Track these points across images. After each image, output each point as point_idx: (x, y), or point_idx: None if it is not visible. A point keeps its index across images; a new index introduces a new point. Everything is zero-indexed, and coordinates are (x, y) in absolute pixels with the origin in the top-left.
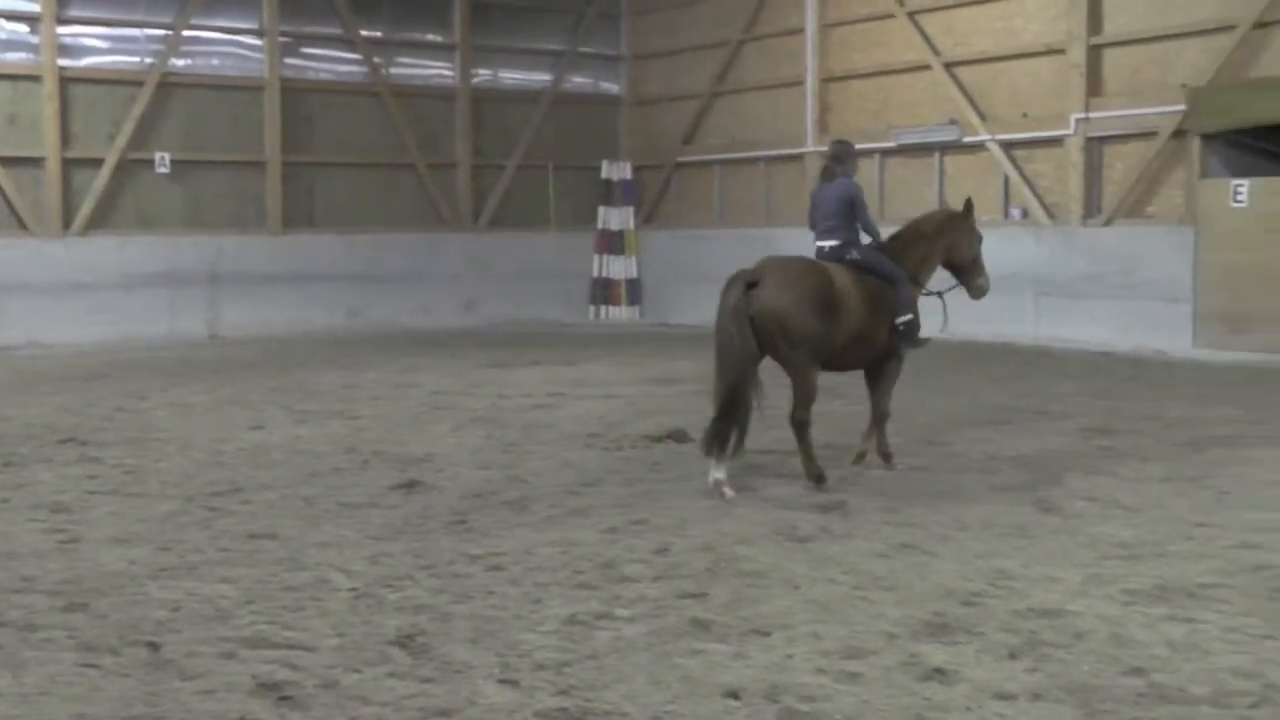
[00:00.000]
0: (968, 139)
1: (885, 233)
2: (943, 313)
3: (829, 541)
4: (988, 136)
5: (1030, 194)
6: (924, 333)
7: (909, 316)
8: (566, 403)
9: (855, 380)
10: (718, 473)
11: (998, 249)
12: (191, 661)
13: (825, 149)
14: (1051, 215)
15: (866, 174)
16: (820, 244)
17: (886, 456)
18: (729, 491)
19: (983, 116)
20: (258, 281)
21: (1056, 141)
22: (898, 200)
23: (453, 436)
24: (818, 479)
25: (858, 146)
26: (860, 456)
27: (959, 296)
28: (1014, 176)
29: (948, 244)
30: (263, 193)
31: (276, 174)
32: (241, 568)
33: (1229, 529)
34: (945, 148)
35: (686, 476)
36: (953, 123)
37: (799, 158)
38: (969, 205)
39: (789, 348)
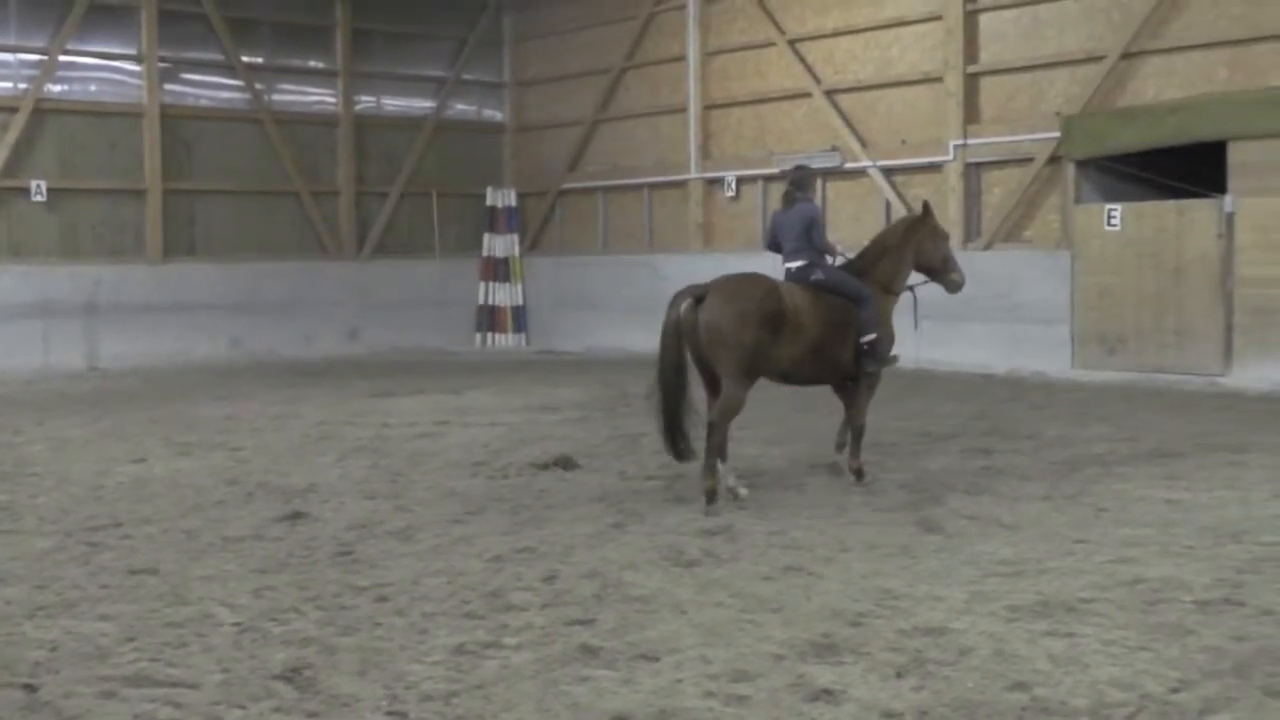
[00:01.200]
0: (849, 165)
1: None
2: (914, 313)
3: (715, 565)
4: (869, 163)
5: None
6: (895, 348)
7: (872, 336)
8: (452, 431)
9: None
10: (726, 479)
11: None
12: (70, 702)
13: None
14: None
15: (748, 203)
16: (788, 265)
17: (857, 473)
18: (743, 490)
19: (863, 143)
20: (137, 311)
21: (936, 167)
22: None
23: (337, 467)
24: (708, 495)
25: (734, 173)
26: (840, 448)
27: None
28: (895, 201)
29: (915, 249)
30: (142, 221)
31: (156, 202)
32: (122, 604)
33: (1105, 544)
34: (827, 174)
35: (573, 503)
36: (834, 149)
37: (682, 184)
38: (926, 208)
39: (725, 355)
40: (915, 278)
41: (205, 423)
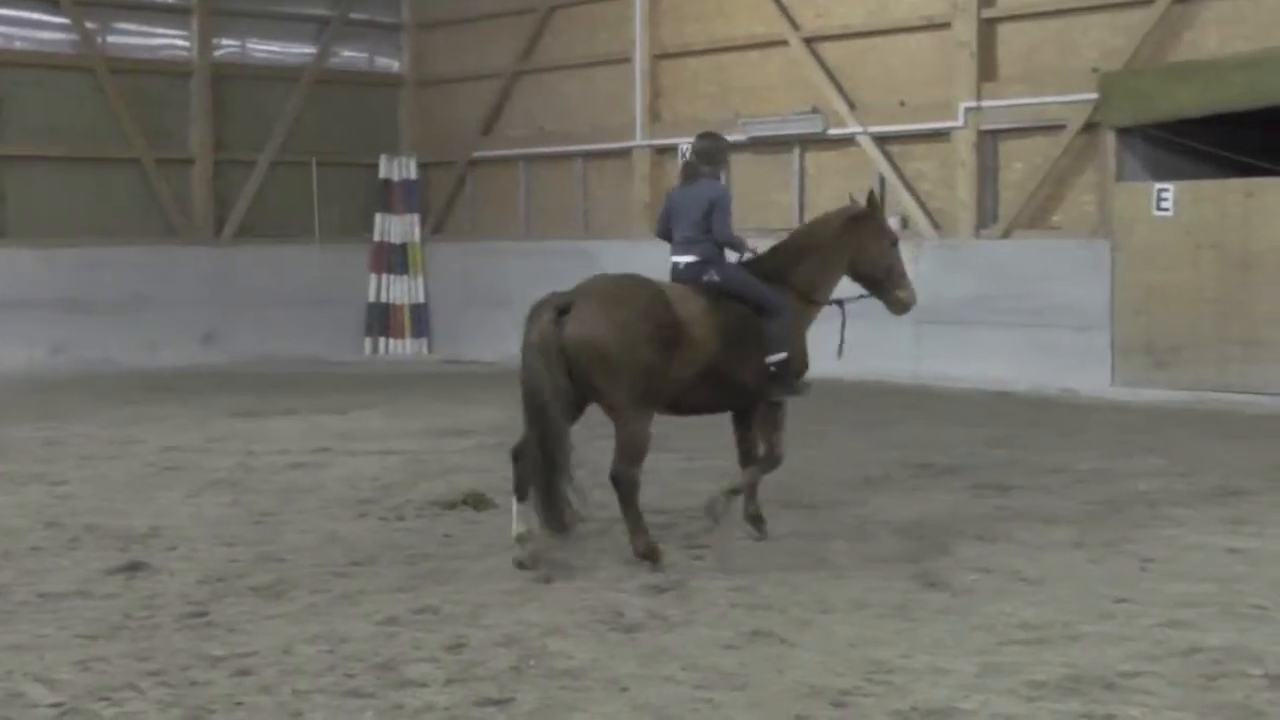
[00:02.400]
0: (833, 131)
1: (763, 244)
2: (840, 332)
3: (663, 630)
4: (858, 129)
5: (910, 199)
6: (809, 374)
7: (781, 356)
8: (334, 461)
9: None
10: (520, 540)
11: None
12: None
13: (688, 143)
14: (936, 225)
15: None
16: (675, 259)
17: (756, 520)
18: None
19: (851, 105)
20: None
21: (942, 135)
22: (748, 206)
23: (187, 505)
24: (648, 555)
25: (688, 141)
26: (732, 492)
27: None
28: (891, 177)
29: (851, 254)
30: None
31: None
32: None
33: (1153, 604)
34: (806, 141)
35: (486, 551)
36: (815, 111)
37: (625, 154)
38: (872, 201)
39: (611, 387)
40: (848, 289)
41: (18, 449)
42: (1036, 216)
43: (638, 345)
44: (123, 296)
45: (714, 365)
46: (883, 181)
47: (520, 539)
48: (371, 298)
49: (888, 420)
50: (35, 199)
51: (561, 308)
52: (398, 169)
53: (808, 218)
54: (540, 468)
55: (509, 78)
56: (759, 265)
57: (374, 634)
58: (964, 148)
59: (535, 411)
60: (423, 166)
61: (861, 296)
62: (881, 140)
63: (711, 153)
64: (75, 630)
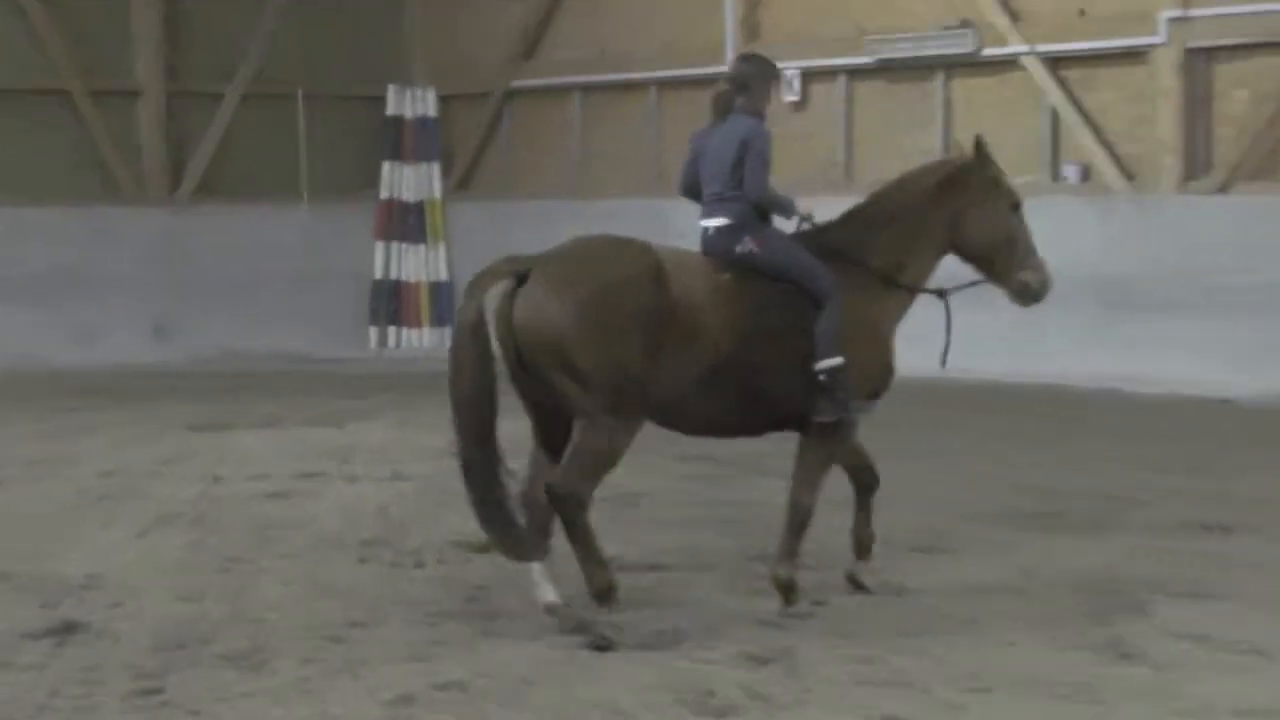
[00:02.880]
0: (989, 51)
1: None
2: (945, 334)
3: (766, 714)
4: (1023, 48)
5: (1094, 141)
6: (871, 393)
7: (835, 361)
8: (327, 488)
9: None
10: (545, 590)
11: (1037, 230)
12: None
13: (796, 68)
14: (1129, 176)
15: (822, 112)
16: (705, 224)
17: (787, 589)
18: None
19: (1014, 16)
20: None
21: (1136, 55)
22: (875, 151)
23: (136, 546)
24: (602, 594)
25: (797, 65)
26: (861, 549)
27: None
28: (1067, 113)
29: (952, 222)
30: None
31: None
32: None
33: None
34: (954, 65)
35: (529, 607)
36: (965, 25)
37: (712, 82)
38: (980, 147)
39: (575, 390)
40: (950, 274)
41: None
42: (1265, 165)
43: (606, 336)
44: (49, 274)
45: (729, 368)
46: (1055, 118)
47: (553, 610)
48: (378, 274)
49: (1058, 435)
50: None
51: (519, 276)
52: (410, 103)
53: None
54: (482, 486)
55: None
56: (823, 237)
57: (385, 717)
58: (1166, 72)
59: (467, 417)
60: (444, 100)
61: (973, 283)
62: (1054, 63)
63: (750, 79)
64: None
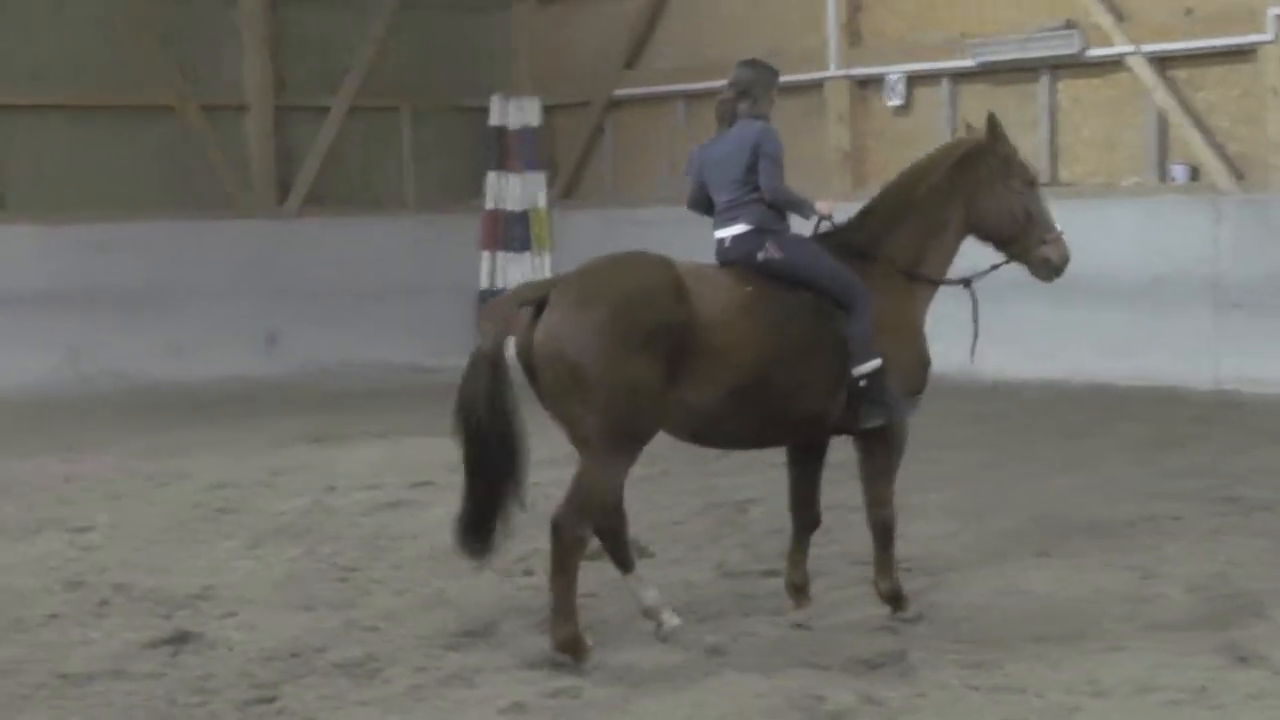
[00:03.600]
0: (1094, 52)
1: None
2: (974, 325)
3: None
4: (1129, 48)
5: (1202, 141)
6: (911, 394)
7: (874, 364)
8: (438, 499)
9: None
10: (640, 595)
11: (1146, 232)
12: None
13: (899, 73)
14: (1239, 175)
15: (926, 116)
16: (720, 235)
17: (893, 599)
18: (671, 620)
19: (1119, 15)
20: None
21: (1244, 53)
22: None
23: (247, 558)
24: (567, 648)
25: (900, 69)
26: (798, 592)
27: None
28: (1174, 113)
29: (968, 206)
30: None
31: None
32: None
33: None
34: (1058, 66)
35: (639, 615)
36: (1069, 26)
37: (815, 87)
38: (993, 127)
39: (582, 413)
40: (970, 262)
41: (29, 488)
42: None
43: (624, 355)
44: (158, 288)
45: (756, 383)
46: (1162, 118)
47: (650, 614)
48: (483, 283)
49: (1176, 438)
50: (39, 161)
51: (539, 303)
52: (514, 113)
53: (1061, 166)
54: (481, 501)
55: None
56: (842, 236)
57: None
58: (1275, 69)
59: (480, 446)
60: (547, 110)
61: (995, 267)
62: (1161, 62)
63: (751, 84)
64: None
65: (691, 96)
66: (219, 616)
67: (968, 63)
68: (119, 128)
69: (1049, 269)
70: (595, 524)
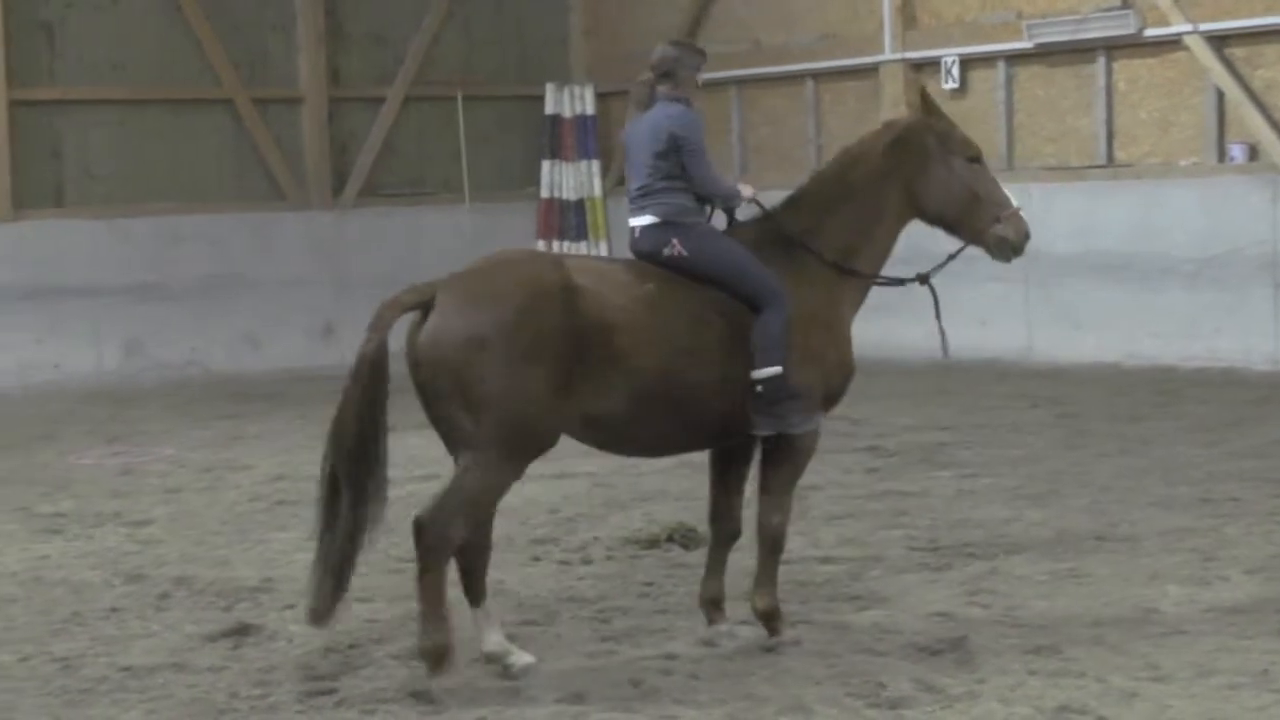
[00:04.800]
0: (1151, 32)
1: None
2: (937, 321)
3: (939, 706)
4: (1185, 27)
5: (1261, 120)
6: (810, 410)
7: (773, 371)
8: None
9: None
10: (484, 636)
11: (1204, 212)
12: None
13: (954, 55)
14: None
15: (982, 98)
16: (631, 223)
17: (766, 617)
18: (519, 659)
19: None
20: None
21: None
22: (1037, 137)
23: (308, 549)
24: (430, 656)
25: (955, 51)
26: (713, 607)
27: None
28: (1232, 92)
29: (906, 189)
30: None
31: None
32: None
33: None
34: (1115, 47)
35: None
36: (1125, 6)
37: (870, 71)
38: (927, 102)
39: (471, 423)
40: (930, 255)
41: (87, 481)
42: None
43: (508, 363)
44: (214, 279)
45: (661, 387)
46: (1220, 97)
47: (496, 659)
48: None
49: (1239, 420)
50: (100, 155)
51: (424, 304)
52: (569, 101)
53: (1118, 147)
54: (337, 538)
55: None
56: (767, 225)
57: (556, 715)
58: None
59: (342, 459)
60: (601, 97)
61: (951, 257)
62: (1219, 41)
63: (673, 64)
64: (167, 714)
65: (745, 82)
66: (279, 609)
67: (1024, 44)
68: (174, 122)
69: (1006, 248)
70: (467, 530)
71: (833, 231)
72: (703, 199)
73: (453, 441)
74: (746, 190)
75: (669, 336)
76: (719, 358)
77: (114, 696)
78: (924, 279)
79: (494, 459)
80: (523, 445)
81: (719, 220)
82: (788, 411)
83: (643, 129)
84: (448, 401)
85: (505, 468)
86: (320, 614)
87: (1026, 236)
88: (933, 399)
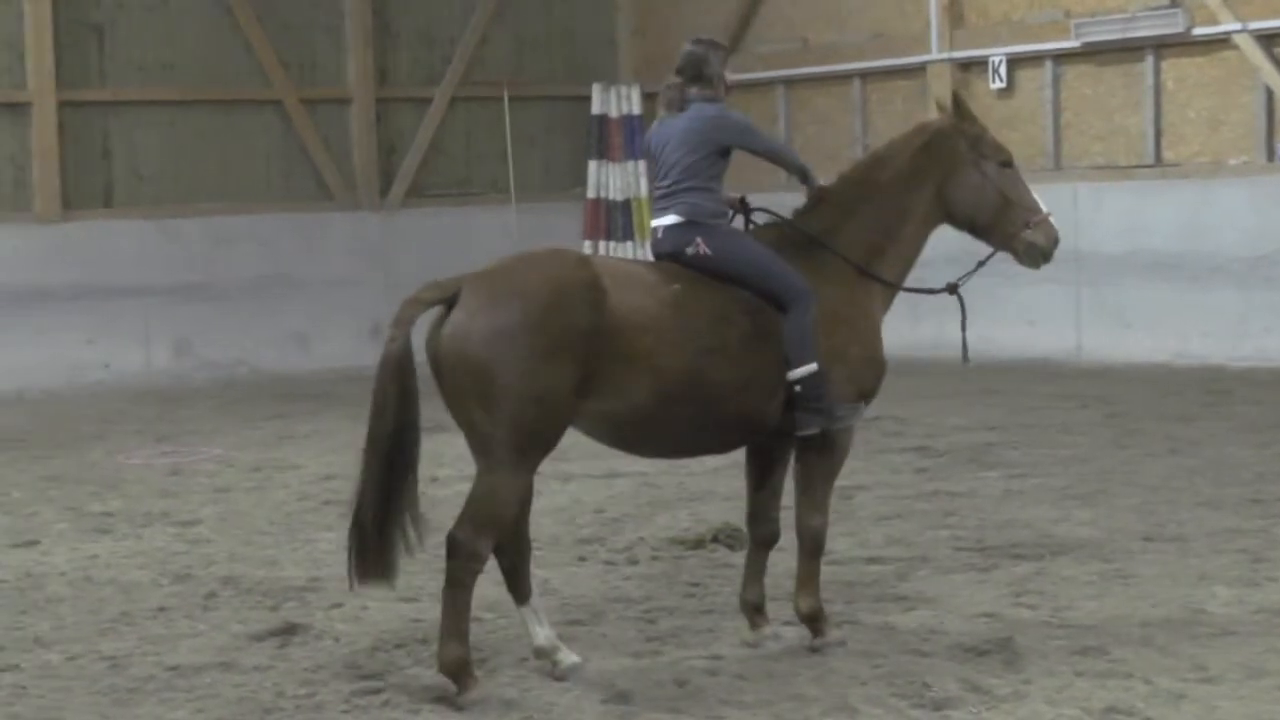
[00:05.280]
0: (1200, 30)
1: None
2: (962, 331)
3: (985, 707)
4: (1235, 25)
5: None
6: (855, 404)
7: (809, 369)
8: (542, 488)
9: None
10: (534, 631)
11: (1254, 211)
12: None
13: (1001, 55)
14: None
15: (1029, 98)
16: (654, 223)
17: (810, 619)
18: (567, 659)
19: None
20: (18, 300)
21: None
22: (1084, 136)
23: None
24: (452, 672)
25: (1002, 51)
26: (754, 612)
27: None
28: None
29: (935, 192)
30: (24, 154)
31: (49, 120)
32: None
33: None
34: (1163, 46)
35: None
36: (1174, 4)
37: (918, 71)
38: (960, 105)
39: (487, 420)
40: (958, 262)
41: (135, 481)
42: None
43: (527, 363)
44: (262, 279)
45: (685, 387)
46: (1270, 96)
47: (544, 655)
48: None
49: None
50: (148, 155)
51: (448, 301)
52: (616, 101)
53: (1166, 147)
54: (379, 508)
55: None
56: (793, 226)
57: (601, 714)
58: None
59: (384, 448)
60: (648, 97)
61: (981, 264)
62: (1268, 40)
63: (700, 64)
64: (214, 713)
65: (792, 82)
66: (325, 608)
67: (1072, 43)
68: (223, 122)
69: (1036, 254)
70: (496, 539)
71: (855, 231)
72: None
73: (471, 442)
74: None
75: (693, 336)
76: (743, 358)
77: (161, 695)
78: (953, 288)
79: (506, 460)
80: (535, 443)
81: (739, 222)
82: (830, 407)
83: (674, 130)
84: (467, 399)
85: (519, 467)
86: (379, 569)
87: (1056, 243)
88: (981, 399)
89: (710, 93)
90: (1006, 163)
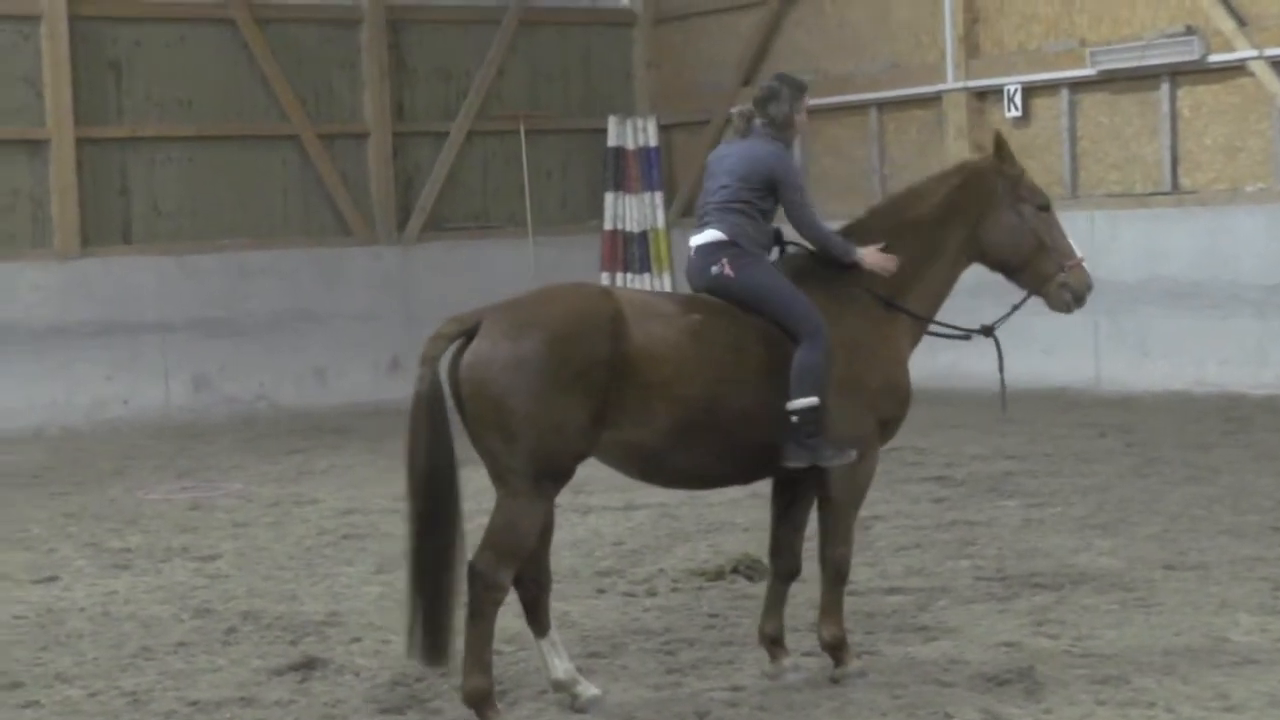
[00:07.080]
0: (1215, 58)
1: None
2: (999, 375)
3: None
4: (1250, 53)
5: None
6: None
7: (807, 402)
8: (562, 520)
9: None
10: (551, 664)
11: (1271, 238)
12: None
13: (1018, 84)
14: None
15: (1045, 126)
16: (693, 241)
17: (835, 646)
18: (586, 691)
19: (1240, 20)
20: (35, 337)
21: None
22: (1100, 164)
23: (375, 583)
24: (473, 698)
25: (1018, 80)
26: (773, 644)
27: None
28: None
29: (971, 230)
30: (43, 190)
31: (67, 157)
32: None
33: None
34: (1179, 73)
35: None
36: (1189, 32)
37: (933, 101)
38: (1000, 144)
39: (504, 449)
40: (993, 304)
41: (155, 516)
42: None
43: (547, 394)
44: (280, 313)
45: (704, 417)
46: None
47: (563, 688)
48: None
49: None
50: (167, 192)
51: (469, 332)
52: (632, 133)
53: (1183, 174)
54: (433, 573)
55: (776, 7)
56: (818, 259)
57: None
58: None
59: (428, 492)
60: (664, 129)
61: (1016, 308)
62: None
63: (768, 100)
64: None
65: (810, 112)
66: (346, 642)
67: (1087, 71)
68: (241, 158)
69: (1067, 298)
70: (517, 569)
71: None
72: (755, 224)
73: (491, 472)
74: (868, 255)
75: (712, 366)
76: (762, 388)
77: None
78: (988, 331)
79: (525, 488)
80: (552, 473)
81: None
82: (820, 445)
83: (733, 154)
84: (487, 429)
85: (538, 497)
86: (431, 652)
87: (1089, 288)
88: (1000, 428)
89: (774, 131)
90: (1044, 206)
